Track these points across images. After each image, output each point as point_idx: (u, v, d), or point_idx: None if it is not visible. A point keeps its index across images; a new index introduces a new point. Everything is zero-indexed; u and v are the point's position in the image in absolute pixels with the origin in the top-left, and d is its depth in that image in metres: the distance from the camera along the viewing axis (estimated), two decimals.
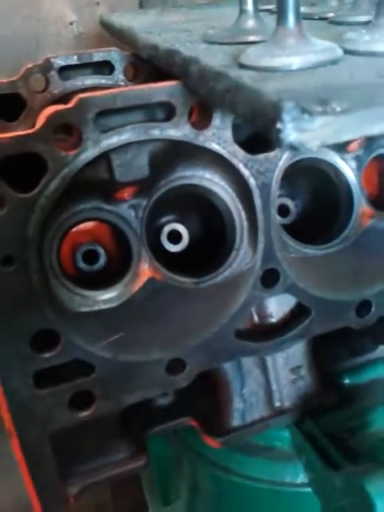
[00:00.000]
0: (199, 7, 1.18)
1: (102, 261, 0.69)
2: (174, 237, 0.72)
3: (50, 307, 0.57)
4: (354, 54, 0.50)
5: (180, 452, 0.85)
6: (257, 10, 0.66)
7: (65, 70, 0.80)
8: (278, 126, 0.32)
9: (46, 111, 0.51)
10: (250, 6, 0.65)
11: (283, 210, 0.77)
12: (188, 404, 0.78)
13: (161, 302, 0.63)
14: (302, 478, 0.75)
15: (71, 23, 1.54)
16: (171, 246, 0.72)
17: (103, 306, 0.60)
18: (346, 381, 0.85)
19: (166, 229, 0.72)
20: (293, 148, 0.32)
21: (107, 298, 0.60)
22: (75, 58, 0.79)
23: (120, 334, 0.61)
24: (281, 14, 0.45)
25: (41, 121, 0.50)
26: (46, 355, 0.58)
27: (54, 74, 0.79)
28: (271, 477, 0.76)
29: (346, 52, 0.50)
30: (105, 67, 0.82)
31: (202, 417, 0.76)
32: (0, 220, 0.52)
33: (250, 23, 0.65)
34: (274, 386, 0.76)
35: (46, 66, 0.78)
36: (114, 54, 0.81)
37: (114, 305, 0.60)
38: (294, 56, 0.46)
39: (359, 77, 0.43)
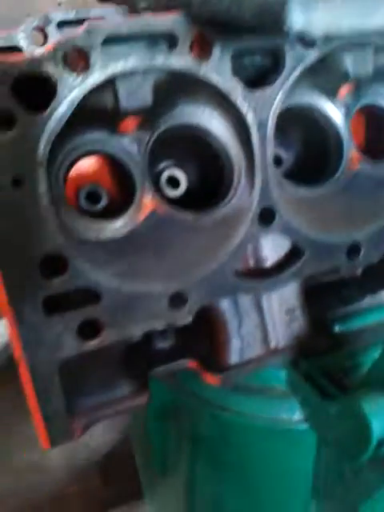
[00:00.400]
0: None
1: (104, 201, 0.71)
2: (173, 182, 0.75)
3: (58, 232, 0.59)
4: None
5: (180, 398, 0.87)
6: None
7: (63, 25, 0.82)
8: (286, 8, 0.35)
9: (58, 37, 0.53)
10: None
11: (277, 160, 0.81)
12: (188, 346, 0.80)
13: (163, 235, 0.66)
14: (298, 415, 0.78)
15: (60, 4, 1.57)
16: (170, 190, 0.75)
17: (110, 235, 0.62)
18: (337, 328, 0.89)
19: (165, 174, 0.74)
20: (300, 37, 0.35)
21: (113, 227, 0.63)
22: (73, 13, 0.82)
23: (125, 263, 0.63)
24: None
25: (52, 44, 0.52)
26: (55, 281, 0.60)
27: (52, 29, 0.81)
28: (268, 414, 0.79)
29: None
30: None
31: (202, 357, 0.78)
32: (11, 140, 0.54)
33: None
34: (270, 327, 0.79)
35: (45, 21, 0.80)
36: (111, 10, 0.83)
37: (119, 235, 0.63)
38: None
39: None
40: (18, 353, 0.61)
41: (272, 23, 0.39)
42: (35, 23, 0.79)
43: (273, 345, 0.80)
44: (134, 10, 0.81)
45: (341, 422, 0.69)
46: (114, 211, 0.69)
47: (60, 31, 0.81)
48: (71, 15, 0.82)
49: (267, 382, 0.83)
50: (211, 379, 0.76)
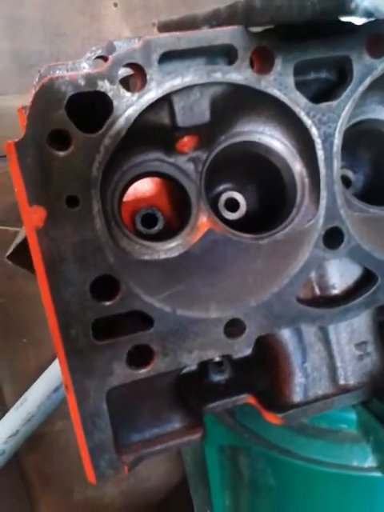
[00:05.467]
0: None
1: (160, 224, 0.69)
2: (232, 205, 0.72)
3: (111, 253, 0.57)
4: None
5: (238, 439, 0.81)
6: None
7: None
8: None
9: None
10: None
11: (345, 181, 0.76)
12: (247, 381, 0.74)
13: (220, 256, 0.62)
14: (370, 461, 0.69)
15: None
16: (229, 213, 0.72)
17: (163, 256, 0.60)
18: None
19: (223, 197, 0.72)
20: (368, 14, 0.31)
21: (167, 247, 0.60)
22: (136, 40, 0.83)
23: (179, 286, 0.60)
24: None
25: (108, 61, 0.52)
26: (106, 303, 0.58)
27: None
28: (337, 459, 0.70)
29: None
30: None
31: (262, 393, 0.72)
32: (66, 159, 0.53)
33: None
34: (339, 362, 0.72)
35: (109, 49, 0.82)
36: None
37: (174, 255, 0.60)
38: None
39: None
40: (66, 379, 0.59)
41: (337, 7, 0.35)
42: (99, 52, 0.81)
43: (342, 382, 0.72)
44: None
45: None
46: (169, 233, 0.67)
47: None
48: (134, 43, 0.83)
49: (335, 423, 0.75)
50: (272, 418, 0.69)
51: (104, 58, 0.82)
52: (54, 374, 1.61)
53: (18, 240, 1.11)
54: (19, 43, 1.46)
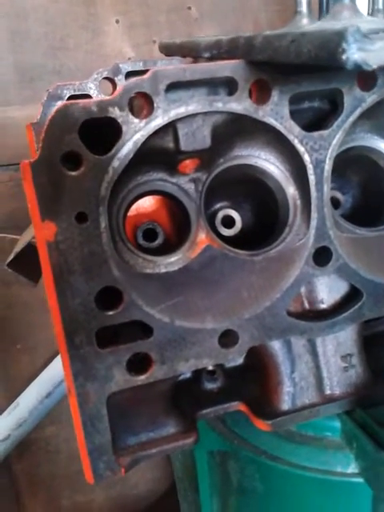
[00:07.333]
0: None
1: (160, 239, 0.73)
2: (228, 222, 0.76)
3: (116, 266, 0.60)
4: None
5: (227, 444, 0.85)
6: (310, 11, 0.72)
7: (131, 75, 0.88)
8: (344, 46, 0.36)
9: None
10: (304, 8, 0.72)
11: (334, 203, 0.80)
12: (238, 389, 0.78)
13: (217, 271, 0.66)
14: (353, 467, 0.73)
15: (130, 59, 1.68)
16: (225, 230, 0.76)
17: (164, 270, 0.64)
18: None
19: (220, 214, 0.76)
20: (357, 66, 0.36)
21: (168, 262, 0.64)
22: (141, 64, 0.88)
23: (178, 299, 0.64)
24: None
25: (118, 89, 0.56)
26: (110, 313, 0.61)
27: (121, 78, 0.87)
28: (321, 465, 0.74)
29: None
30: None
31: (252, 401, 0.76)
32: (77, 178, 0.57)
33: (305, 21, 0.71)
34: (325, 373, 0.76)
35: (115, 71, 0.86)
36: (176, 61, 0.89)
37: (174, 269, 0.64)
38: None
39: None
40: (68, 383, 0.63)
41: (330, 56, 0.39)
42: (105, 73, 0.86)
43: (328, 392, 0.76)
44: (197, 60, 0.85)
45: None
46: (168, 248, 0.71)
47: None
48: (139, 66, 0.88)
49: (321, 431, 0.79)
50: (261, 425, 0.73)
51: (110, 80, 0.86)
52: (46, 380, 1.63)
53: (18, 248, 1.14)
54: (22, 56, 1.50)
